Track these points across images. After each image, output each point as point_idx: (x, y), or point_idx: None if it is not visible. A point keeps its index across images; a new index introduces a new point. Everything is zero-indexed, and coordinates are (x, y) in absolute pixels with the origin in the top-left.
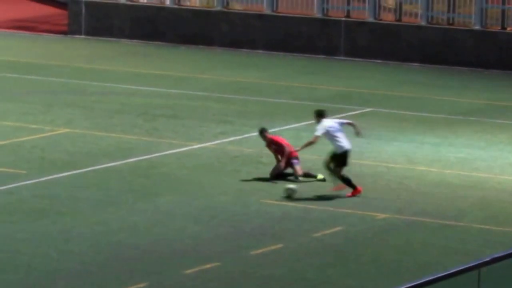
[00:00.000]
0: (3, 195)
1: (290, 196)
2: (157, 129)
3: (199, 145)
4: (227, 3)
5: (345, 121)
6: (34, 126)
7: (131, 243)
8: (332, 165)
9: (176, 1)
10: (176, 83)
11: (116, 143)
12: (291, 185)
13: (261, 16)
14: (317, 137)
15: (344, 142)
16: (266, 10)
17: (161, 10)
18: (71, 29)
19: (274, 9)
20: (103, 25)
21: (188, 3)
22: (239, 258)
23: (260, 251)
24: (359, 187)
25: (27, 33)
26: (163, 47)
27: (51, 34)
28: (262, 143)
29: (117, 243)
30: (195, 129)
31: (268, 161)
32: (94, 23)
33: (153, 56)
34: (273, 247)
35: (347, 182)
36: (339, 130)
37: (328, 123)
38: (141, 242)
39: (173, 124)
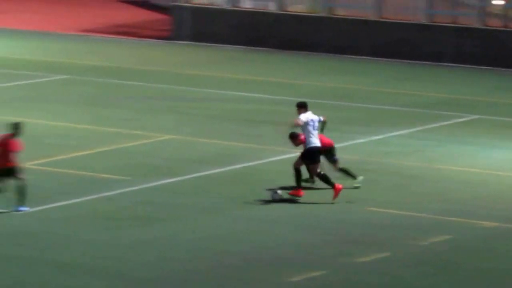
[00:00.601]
0: (106, 201)
1: (274, 199)
2: (260, 136)
3: None
4: (332, 9)
5: (322, 118)
6: (136, 132)
7: (234, 250)
8: (307, 166)
9: (280, 7)
10: (279, 89)
11: (218, 150)
12: (278, 190)
13: (366, 22)
14: (299, 122)
15: (316, 140)
16: (371, 16)
17: (264, 15)
18: (174, 35)
19: (379, 14)
20: (206, 30)
21: (291, 9)
22: (344, 266)
23: (366, 259)
24: (338, 184)
25: (129, 38)
26: (266, 53)
27: (153, 40)
28: (368, 150)
29: (220, 250)
30: None
31: (374, 168)
32: (197, 28)
33: (256, 62)
34: (379, 255)
35: (325, 179)
36: (315, 128)
37: (310, 116)
38: (244, 249)
39: (276, 130)
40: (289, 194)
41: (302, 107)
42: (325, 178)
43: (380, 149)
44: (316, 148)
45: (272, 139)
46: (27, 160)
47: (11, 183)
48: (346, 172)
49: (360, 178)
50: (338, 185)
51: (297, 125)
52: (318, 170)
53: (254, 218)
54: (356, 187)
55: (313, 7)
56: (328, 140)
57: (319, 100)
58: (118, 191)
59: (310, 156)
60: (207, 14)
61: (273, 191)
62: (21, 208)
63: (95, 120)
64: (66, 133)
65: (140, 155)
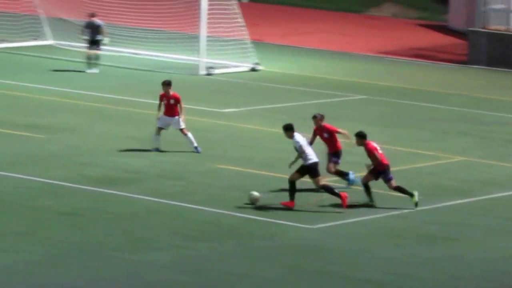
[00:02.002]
0: (396, 219)
1: (253, 203)
2: None
3: None
4: None
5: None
6: (429, 153)
7: None
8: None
9: None
10: None
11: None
12: (255, 193)
13: None
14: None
15: (314, 156)
16: None
17: None
18: (471, 59)
19: None
20: (504, 55)
21: None
22: None
23: None
24: (343, 193)
25: (425, 61)
26: None
27: (450, 64)
28: None
29: (505, 271)
30: None
31: None
32: (494, 53)
33: None
34: None
35: (329, 191)
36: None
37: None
38: None
39: None
40: (344, 207)
41: (290, 129)
42: (329, 190)
43: None
44: (315, 163)
45: None
46: (326, 176)
47: None
48: (401, 190)
49: (416, 193)
50: (343, 193)
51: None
52: (323, 183)
53: None
54: (415, 204)
55: None
56: (386, 160)
57: None
58: (408, 210)
59: (313, 171)
60: (503, 40)
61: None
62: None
63: (390, 139)
64: (363, 152)
65: (431, 175)
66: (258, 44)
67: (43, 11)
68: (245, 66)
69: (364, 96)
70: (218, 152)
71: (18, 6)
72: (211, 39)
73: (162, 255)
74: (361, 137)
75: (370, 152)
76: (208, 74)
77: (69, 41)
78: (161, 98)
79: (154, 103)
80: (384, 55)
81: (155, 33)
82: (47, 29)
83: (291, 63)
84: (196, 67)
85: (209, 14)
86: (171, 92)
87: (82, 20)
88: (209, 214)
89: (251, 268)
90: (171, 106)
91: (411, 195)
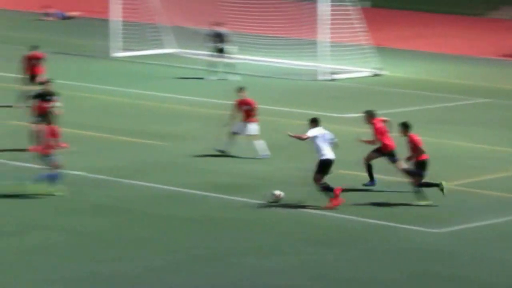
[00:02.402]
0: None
1: (276, 201)
2: None
3: None
4: None
5: (332, 137)
6: None
7: None
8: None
9: None
10: None
11: None
12: (277, 191)
13: None
14: (307, 137)
15: (328, 152)
16: None
17: None
18: None
19: None
20: None
21: None
22: None
23: None
24: (337, 200)
25: None
26: None
27: None
28: None
29: None
30: None
31: None
32: None
33: None
34: None
35: (326, 189)
36: (326, 141)
37: (321, 131)
38: None
39: None
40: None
41: (313, 122)
42: (326, 188)
43: None
44: (328, 160)
45: None
46: (450, 180)
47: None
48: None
49: (444, 183)
50: (337, 201)
51: (304, 139)
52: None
53: None
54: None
55: None
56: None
57: None
58: None
59: (322, 167)
60: None
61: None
62: None
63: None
64: (485, 155)
65: None
66: (381, 49)
67: (167, 19)
68: (367, 71)
69: (486, 100)
70: (340, 157)
71: (141, 15)
72: (332, 45)
73: (287, 261)
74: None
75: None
76: (331, 80)
77: (192, 49)
78: (238, 104)
79: (274, 109)
80: (505, 58)
81: (275, 39)
82: (170, 38)
83: (414, 67)
84: (315, 73)
85: (330, 19)
86: (247, 98)
87: (206, 28)
88: (334, 219)
89: (378, 273)
90: (247, 112)
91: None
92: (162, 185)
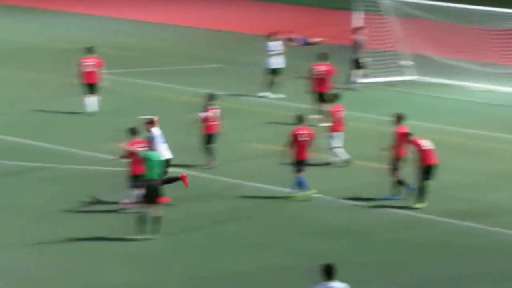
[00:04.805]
0: None
1: None
2: None
3: None
4: None
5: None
6: None
7: None
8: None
9: None
10: None
11: None
12: None
13: None
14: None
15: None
16: None
17: None
18: None
19: None
20: None
21: None
22: None
23: None
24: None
25: None
26: None
27: None
28: None
29: None
30: None
31: None
32: None
33: None
34: None
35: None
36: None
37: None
38: None
39: None
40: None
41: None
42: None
43: None
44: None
45: None
46: None
47: None
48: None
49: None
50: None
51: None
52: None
53: None
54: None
55: None
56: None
57: None
58: None
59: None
60: None
61: None
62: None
63: None
64: None
65: None
66: None
67: (407, 47)
68: None
69: None
70: None
71: (382, 43)
72: None
73: None
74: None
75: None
76: None
77: (432, 77)
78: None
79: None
80: None
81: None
82: (411, 65)
83: None
84: None
85: None
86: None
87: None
88: None
89: None
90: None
91: None
92: (398, 209)
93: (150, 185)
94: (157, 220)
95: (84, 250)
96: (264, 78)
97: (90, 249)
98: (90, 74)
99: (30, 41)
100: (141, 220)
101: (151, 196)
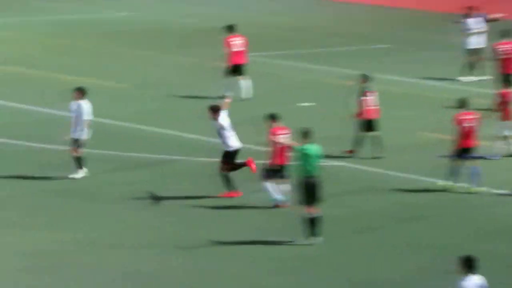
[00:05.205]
0: None
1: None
2: None
3: None
4: None
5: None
6: None
7: None
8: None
9: None
10: None
11: None
12: None
13: None
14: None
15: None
16: None
17: None
18: None
19: None
20: None
21: None
22: None
23: None
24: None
25: None
26: None
27: None
28: None
29: None
30: None
31: None
32: None
33: None
34: None
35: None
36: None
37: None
38: None
39: None
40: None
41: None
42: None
43: None
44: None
45: None
46: None
47: None
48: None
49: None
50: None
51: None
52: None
53: None
54: None
55: None
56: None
57: None
58: None
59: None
60: None
61: None
62: None
63: None
64: None
65: None
66: None
67: None
68: None
69: None
70: None
71: None
72: None
73: None
74: None
75: None
76: None
77: None
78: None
79: None
80: None
81: None
82: None
83: None
84: None
85: None
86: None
87: None
88: None
89: None
90: None
91: None
92: None
93: (308, 182)
94: (317, 220)
95: (233, 253)
96: (464, 59)
97: (239, 252)
98: (238, 54)
99: (162, 20)
100: (306, 222)
101: (310, 195)
